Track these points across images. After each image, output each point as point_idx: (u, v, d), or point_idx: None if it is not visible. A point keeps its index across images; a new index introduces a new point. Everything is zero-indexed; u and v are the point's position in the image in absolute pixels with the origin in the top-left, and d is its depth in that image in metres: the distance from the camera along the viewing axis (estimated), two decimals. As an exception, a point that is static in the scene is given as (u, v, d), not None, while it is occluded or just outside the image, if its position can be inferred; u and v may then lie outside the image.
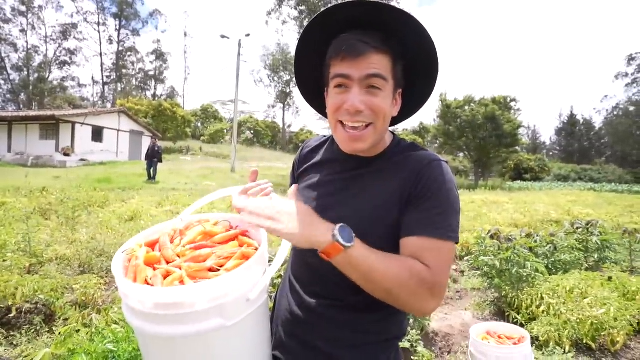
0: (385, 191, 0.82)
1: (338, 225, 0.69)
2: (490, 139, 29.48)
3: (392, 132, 0.92)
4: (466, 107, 30.88)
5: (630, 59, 40.60)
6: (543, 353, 2.74)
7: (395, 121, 0.92)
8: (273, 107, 53.55)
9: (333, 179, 0.91)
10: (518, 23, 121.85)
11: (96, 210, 6.90)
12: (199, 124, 44.05)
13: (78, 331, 2.23)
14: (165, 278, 0.67)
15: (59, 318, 2.66)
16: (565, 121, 51.84)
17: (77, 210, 6.44)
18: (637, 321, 3.11)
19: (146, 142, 22.26)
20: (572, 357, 2.73)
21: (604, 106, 55.93)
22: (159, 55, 54.43)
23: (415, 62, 0.83)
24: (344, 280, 0.74)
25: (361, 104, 0.77)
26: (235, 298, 0.65)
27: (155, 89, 55.82)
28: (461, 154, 39.56)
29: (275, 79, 48.81)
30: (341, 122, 0.81)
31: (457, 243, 0.78)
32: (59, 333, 2.08)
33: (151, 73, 55.19)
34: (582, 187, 26.64)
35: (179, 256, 0.73)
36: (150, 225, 4.98)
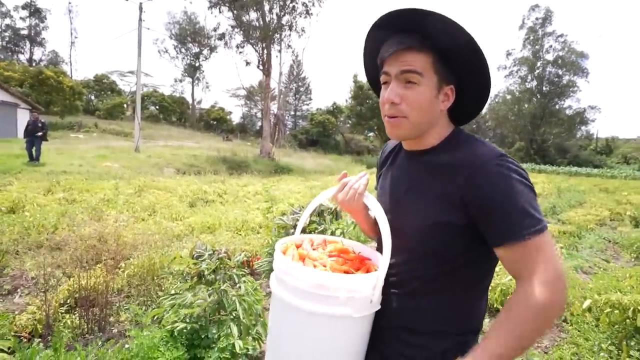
0: (439, 194, 0.85)
1: None
2: (398, 121, 31.57)
3: (460, 128, 0.94)
4: (377, 90, 32.43)
5: (508, 53, 46.67)
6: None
7: (462, 119, 0.96)
8: (181, 81, 49.28)
9: (399, 176, 0.98)
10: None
11: (-42, 201, 5.56)
12: (92, 97, 38.59)
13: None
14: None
15: None
16: (460, 105, 58.15)
17: None
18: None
19: (23, 117, 18.82)
20: (487, 320, 3.06)
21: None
22: (34, 11, 45.20)
23: (457, 58, 0.86)
24: (416, 272, 0.88)
25: (397, 97, 0.85)
26: (364, 296, 0.82)
27: (31, 52, 46.75)
28: (371, 134, 41.81)
29: (183, 50, 44.89)
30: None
31: (545, 228, 0.76)
32: None
33: (24, 32, 45.85)
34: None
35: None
36: (39, 216, 4.15)
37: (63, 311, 2.71)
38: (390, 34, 0.88)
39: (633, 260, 5.30)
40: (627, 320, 2.46)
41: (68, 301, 2.83)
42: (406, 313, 0.92)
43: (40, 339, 2.39)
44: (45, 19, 46.02)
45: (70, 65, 47.60)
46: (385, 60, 0.87)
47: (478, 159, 0.80)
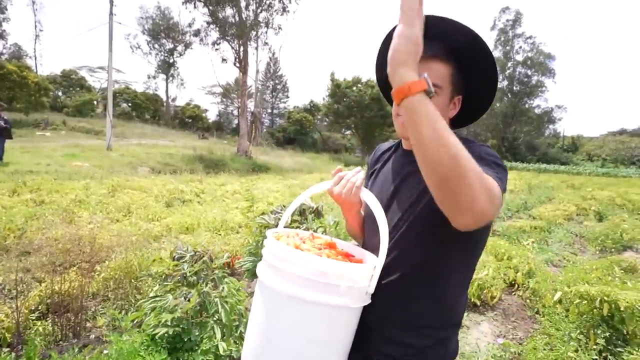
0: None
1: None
2: (375, 119, 31.92)
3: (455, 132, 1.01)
4: (354, 87, 32.63)
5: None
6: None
7: (458, 124, 1.03)
8: (154, 78, 47.79)
9: (393, 172, 1.04)
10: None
11: None
12: (60, 93, 36.92)
13: None
14: None
15: None
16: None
17: None
18: (507, 277, 3.75)
19: (-16, 113, 17.73)
20: (466, 315, 3.15)
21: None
22: (-7, 1, 42.68)
23: (472, 69, 0.93)
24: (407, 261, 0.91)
25: None
26: (362, 286, 0.82)
27: (-9, 45, 44.16)
28: (349, 132, 42.04)
29: (156, 46, 43.57)
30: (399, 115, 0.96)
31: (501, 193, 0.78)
32: None
33: (-18, 24, 43.08)
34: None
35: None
36: (5, 218, 3.93)
37: (34, 318, 2.59)
38: None
39: (598, 252, 5.58)
40: (595, 310, 2.59)
41: (39, 307, 2.71)
42: (391, 306, 0.93)
43: (9, 348, 2.28)
44: (6, 9, 43.32)
45: (35, 59, 45.12)
46: None
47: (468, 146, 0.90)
